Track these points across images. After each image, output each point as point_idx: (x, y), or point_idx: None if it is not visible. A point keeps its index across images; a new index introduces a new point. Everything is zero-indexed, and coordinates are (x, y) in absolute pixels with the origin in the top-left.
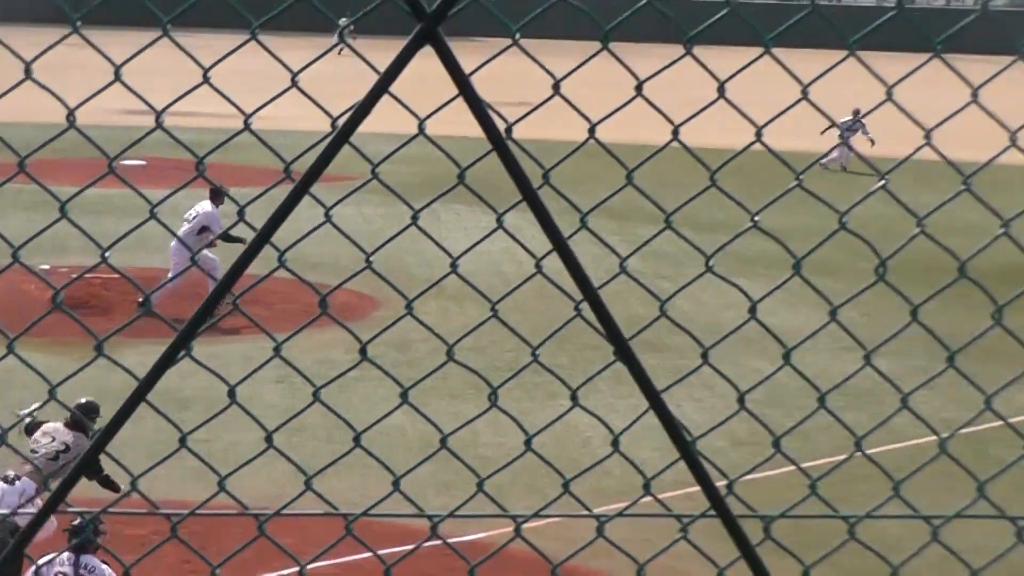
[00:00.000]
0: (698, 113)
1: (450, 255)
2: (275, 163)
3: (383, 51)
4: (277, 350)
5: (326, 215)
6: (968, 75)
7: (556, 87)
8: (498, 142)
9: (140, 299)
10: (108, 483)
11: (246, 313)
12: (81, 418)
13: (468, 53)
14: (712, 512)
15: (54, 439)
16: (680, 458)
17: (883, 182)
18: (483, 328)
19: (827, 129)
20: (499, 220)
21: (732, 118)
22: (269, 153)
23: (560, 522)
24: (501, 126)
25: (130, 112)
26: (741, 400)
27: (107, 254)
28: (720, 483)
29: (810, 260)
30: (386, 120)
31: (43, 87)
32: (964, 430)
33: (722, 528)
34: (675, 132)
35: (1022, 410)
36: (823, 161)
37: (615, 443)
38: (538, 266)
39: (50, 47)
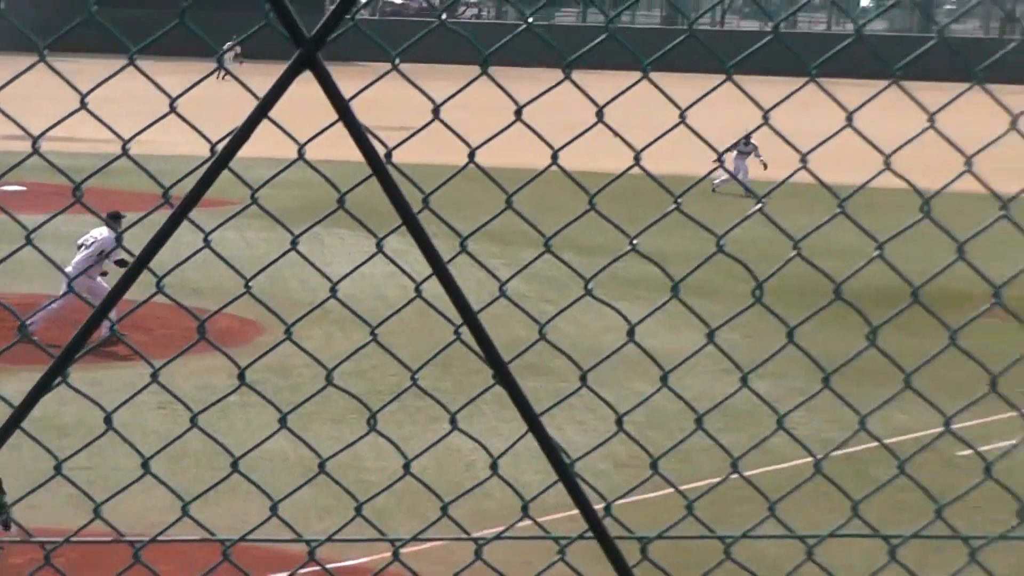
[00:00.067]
0: (577, 137)
1: (330, 280)
2: (155, 188)
3: (268, 76)
4: (155, 376)
5: (205, 240)
6: (844, 99)
7: (436, 111)
8: (378, 167)
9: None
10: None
11: (124, 339)
12: None
13: (349, 78)
14: (590, 534)
15: None
16: (559, 480)
17: (759, 205)
18: (366, 352)
19: (723, 153)
20: (379, 245)
21: (612, 142)
22: (148, 178)
23: (443, 545)
24: (381, 151)
25: (8, 137)
26: (619, 422)
27: None
28: (599, 505)
29: (690, 283)
30: (267, 145)
31: None
32: (843, 450)
33: (601, 550)
34: (554, 156)
35: (900, 430)
36: (716, 183)
37: (494, 466)
38: (418, 290)
39: None
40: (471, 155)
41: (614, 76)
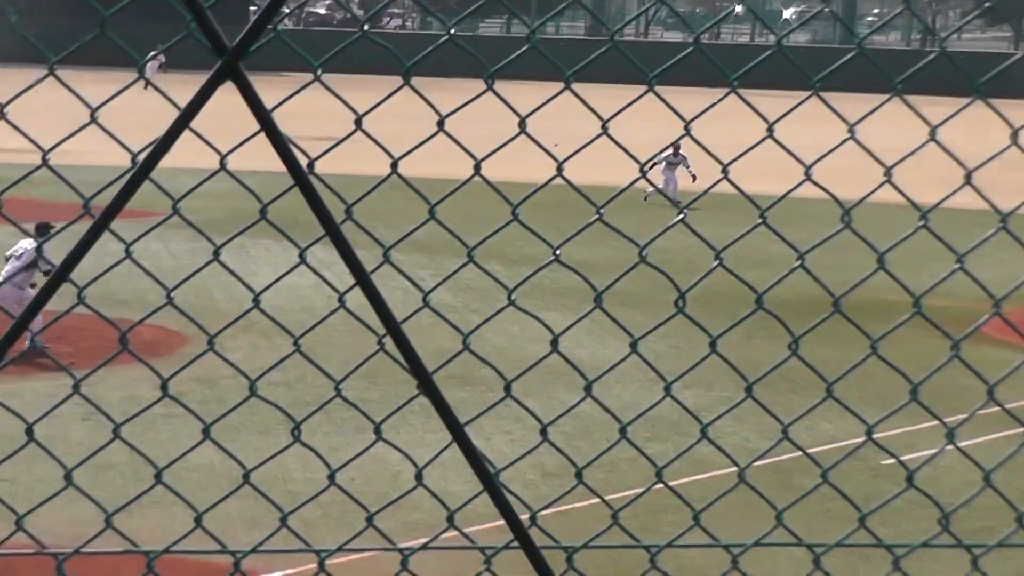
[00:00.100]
0: (499, 148)
1: (252, 290)
2: (76, 199)
3: (193, 85)
4: (76, 387)
5: (127, 251)
6: (767, 110)
7: (358, 122)
8: (300, 177)
9: None
10: None
11: (46, 350)
12: None
13: (274, 87)
14: (516, 544)
15: None
16: (484, 490)
17: (681, 216)
18: (292, 363)
19: (646, 163)
20: (301, 255)
21: (536, 152)
22: (70, 189)
23: (370, 556)
24: (304, 161)
25: None
26: (544, 432)
27: None
28: (525, 515)
29: (618, 293)
30: (191, 155)
31: None
32: (769, 460)
33: (527, 559)
34: (477, 167)
35: (826, 439)
36: (649, 192)
37: (419, 476)
38: (341, 300)
39: None
40: (394, 166)
41: (538, 87)
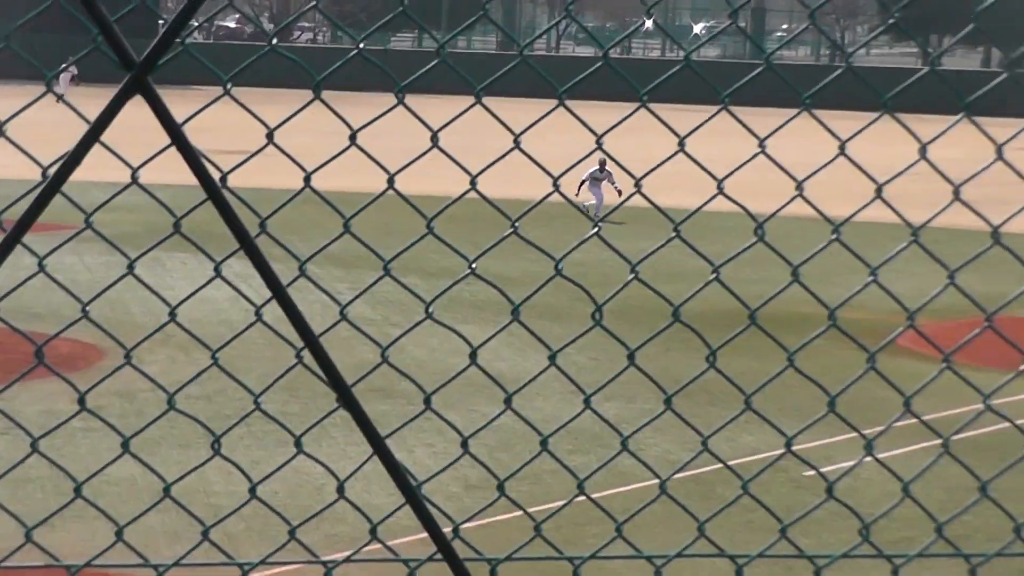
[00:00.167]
0: (412, 163)
1: (168, 304)
2: None
3: (105, 99)
4: None
5: (40, 265)
6: (678, 124)
7: (270, 136)
8: (213, 191)
9: None
10: None
11: None
12: None
13: (185, 101)
14: (439, 556)
15: None
16: (406, 503)
17: (596, 229)
18: (212, 377)
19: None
20: (217, 269)
21: (450, 166)
22: None
23: (295, 569)
24: (216, 175)
25: None
26: (464, 444)
27: None
28: (448, 528)
29: (536, 306)
30: (105, 169)
31: None
32: (692, 471)
33: (451, 572)
34: (390, 180)
35: (748, 450)
36: (595, 208)
37: (341, 489)
38: (258, 314)
39: None
40: (307, 179)
41: (450, 100)
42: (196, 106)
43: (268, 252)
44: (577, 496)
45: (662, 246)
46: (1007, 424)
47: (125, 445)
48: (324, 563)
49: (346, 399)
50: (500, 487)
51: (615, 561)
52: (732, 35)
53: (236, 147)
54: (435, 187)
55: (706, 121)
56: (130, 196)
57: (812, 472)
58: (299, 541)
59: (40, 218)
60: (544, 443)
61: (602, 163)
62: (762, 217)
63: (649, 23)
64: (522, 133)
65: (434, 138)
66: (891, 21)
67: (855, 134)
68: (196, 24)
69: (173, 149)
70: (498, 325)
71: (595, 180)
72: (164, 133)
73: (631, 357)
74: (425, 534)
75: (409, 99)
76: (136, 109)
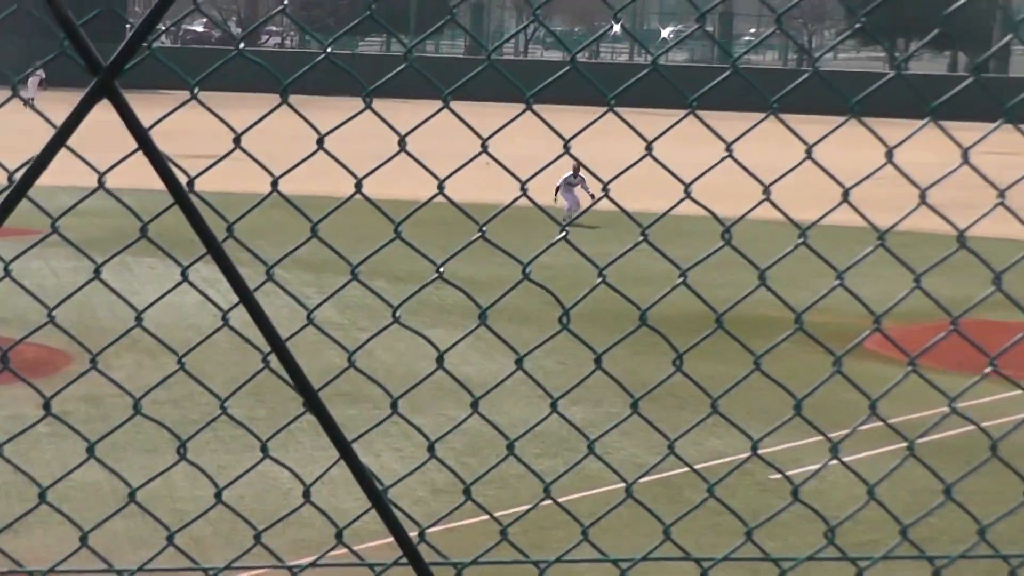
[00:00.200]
0: (380, 166)
1: (135, 308)
2: None
3: (72, 103)
4: None
5: (6, 269)
6: (645, 128)
7: (237, 140)
8: (180, 195)
9: None
10: None
11: None
12: None
13: (153, 105)
14: (405, 560)
15: None
16: (372, 507)
17: (563, 234)
18: (179, 381)
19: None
20: (183, 274)
21: (419, 170)
22: None
23: (262, 574)
24: (183, 179)
25: None
26: (431, 449)
27: None
28: (414, 532)
29: (504, 309)
30: (72, 173)
31: None
32: (658, 475)
33: None
34: (358, 185)
35: (714, 454)
36: (565, 213)
37: (307, 494)
38: (224, 319)
39: None
40: (274, 184)
41: (418, 105)
42: (163, 110)
43: (235, 256)
44: (543, 500)
45: (629, 250)
46: (972, 427)
47: (91, 450)
48: (290, 568)
49: (313, 404)
50: (467, 491)
51: (581, 565)
52: (700, 39)
53: (203, 151)
54: (403, 191)
55: (673, 125)
56: (97, 201)
57: (778, 475)
58: (265, 546)
59: (6, 223)
60: (511, 447)
61: (576, 168)
62: (729, 221)
63: (617, 27)
64: (489, 137)
65: (402, 142)
66: (857, 25)
67: (822, 138)
68: (163, 28)
69: (140, 154)
70: (466, 329)
71: (568, 185)
72: (128, 137)
73: (598, 361)
74: (391, 538)
75: (377, 103)
76: (98, 112)
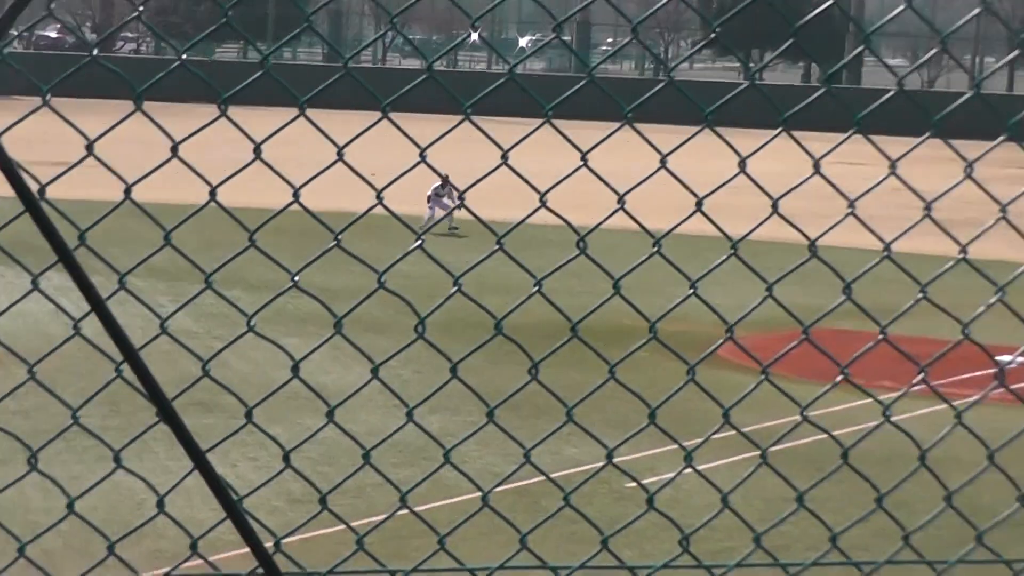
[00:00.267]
0: (235, 174)
1: None
2: None
3: None
4: None
5: None
6: (501, 137)
7: (89, 147)
8: (30, 203)
9: None
10: None
11: None
12: None
13: (4, 111)
14: (261, 571)
15: None
16: (227, 517)
17: (420, 242)
18: (29, 391)
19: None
20: (34, 282)
21: (274, 179)
22: None
23: None
24: (34, 187)
25: None
26: (286, 458)
27: None
28: (269, 542)
29: (361, 319)
30: None
31: None
32: (516, 483)
33: None
34: (212, 193)
35: (571, 462)
36: (424, 222)
37: (161, 504)
38: (76, 328)
39: None
40: (127, 191)
41: (275, 112)
42: (11, 116)
43: (88, 265)
44: (400, 509)
45: (485, 259)
46: (824, 435)
47: None
48: None
49: (166, 413)
50: (323, 500)
51: (439, 574)
52: (558, 48)
53: (56, 158)
54: (259, 199)
55: (530, 134)
56: None
57: (634, 484)
58: (118, 557)
59: None
60: (367, 456)
61: (444, 179)
62: (585, 230)
63: (475, 36)
64: (346, 145)
65: (257, 150)
66: (712, 36)
67: (676, 147)
68: (15, 33)
69: None
70: (322, 338)
71: (437, 196)
72: None
73: (453, 370)
74: (247, 548)
75: (233, 110)
76: None
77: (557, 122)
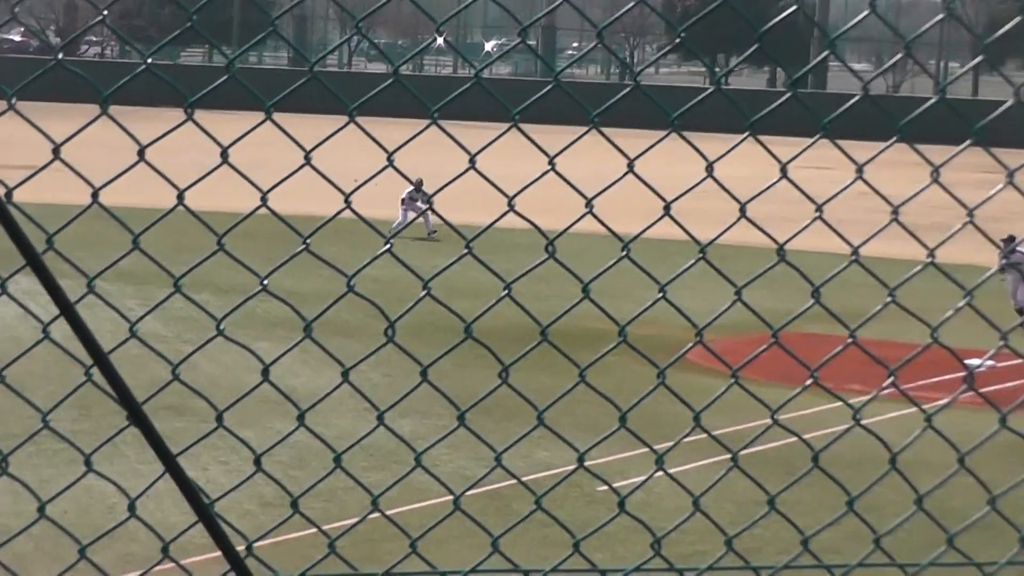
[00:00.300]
0: (203, 178)
1: None
2: None
3: None
4: None
5: None
6: (469, 142)
7: (56, 151)
8: None
9: None
10: None
11: None
12: None
13: None
14: (232, 574)
15: None
16: (199, 520)
17: (388, 246)
18: None
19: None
20: (2, 286)
21: (242, 182)
22: None
23: None
24: (1, 190)
25: None
26: (258, 462)
27: None
28: (241, 545)
29: (331, 322)
30: None
31: None
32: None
33: None
34: (180, 196)
35: (542, 466)
36: (394, 226)
37: (132, 507)
38: (45, 331)
39: None
40: (94, 195)
41: (241, 116)
42: None
43: (56, 269)
44: (372, 512)
45: (454, 262)
46: (794, 438)
47: None
48: None
49: (136, 417)
50: (294, 504)
51: None
52: (523, 53)
53: (23, 162)
54: (227, 203)
55: (497, 138)
56: None
57: (605, 487)
58: (90, 560)
59: None
60: (338, 460)
61: (418, 184)
62: (554, 234)
63: (440, 40)
64: (313, 149)
65: (224, 154)
66: (677, 40)
67: (643, 152)
68: None
69: None
70: (292, 342)
71: (412, 200)
72: None
73: (424, 373)
74: (219, 552)
75: (199, 115)
76: None
77: (524, 126)
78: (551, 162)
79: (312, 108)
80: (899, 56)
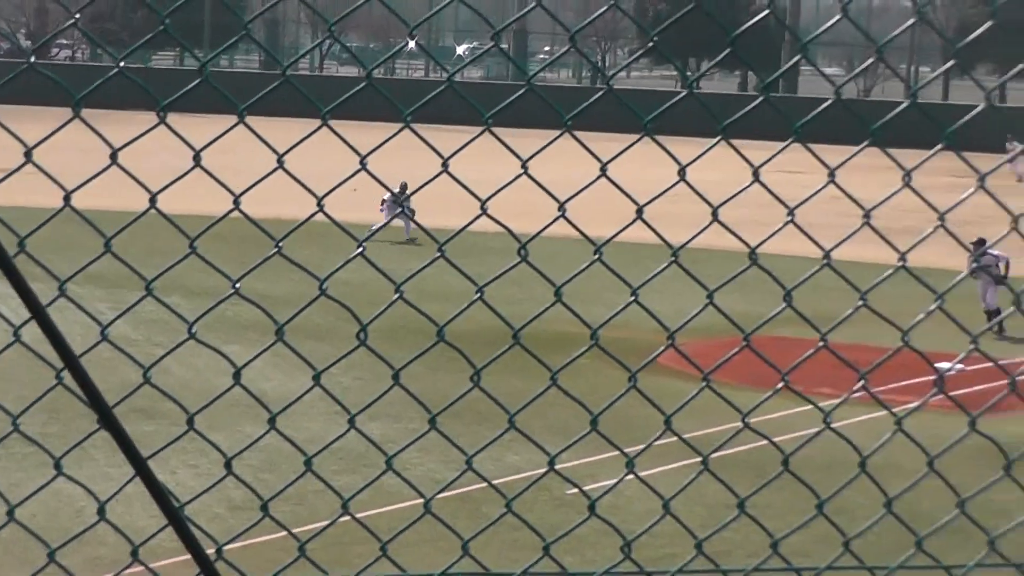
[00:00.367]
0: (175, 181)
1: None
2: None
3: None
4: None
5: None
6: (442, 145)
7: (28, 154)
8: None
9: None
10: None
11: None
12: None
13: None
14: None
15: None
16: (168, 524)
17: (361, 249)
18: None
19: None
20: None
21: (214, 186)
22: None
23: None
24: None
25: None
26: (228, 465)
27: None
28: (211, 549)
29: (303, 326)
30: None
31: None
32: (458, 490)
33: None
34: (152, 200)
35: (512, 469)
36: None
37: (101, 511)
38: (16, 334)
39: None
40: (66, 198)
41: (213, 119)
42: None
43: (27, 272)
44: (342, 516)
45: (426, 266)
46: (764, 441)
47: None
48: None
49: (106, 420)
50: (264, 507)
51: None
52: (495, 56)
53: None
54: (199, 206)
55: (469, 142)
56: None
57: (575, 490)
58: (59, 564)
59: None
60: (308, 463)
61: (402, 187)
62: (526, 237)
63: (412, 44)
64: (285, 153)
65: (196, 157)
66: (650, 44)
67: (616, 156)
68: None
69: None
70: (263, 345)
71: (393, 203)
72: None
73: (395, 376)
74: (188, 555)
75: (172, 118)
76: None
77: (497, 130)
78: (524, 166)
79: (284, 112)
80: (870, 60)
